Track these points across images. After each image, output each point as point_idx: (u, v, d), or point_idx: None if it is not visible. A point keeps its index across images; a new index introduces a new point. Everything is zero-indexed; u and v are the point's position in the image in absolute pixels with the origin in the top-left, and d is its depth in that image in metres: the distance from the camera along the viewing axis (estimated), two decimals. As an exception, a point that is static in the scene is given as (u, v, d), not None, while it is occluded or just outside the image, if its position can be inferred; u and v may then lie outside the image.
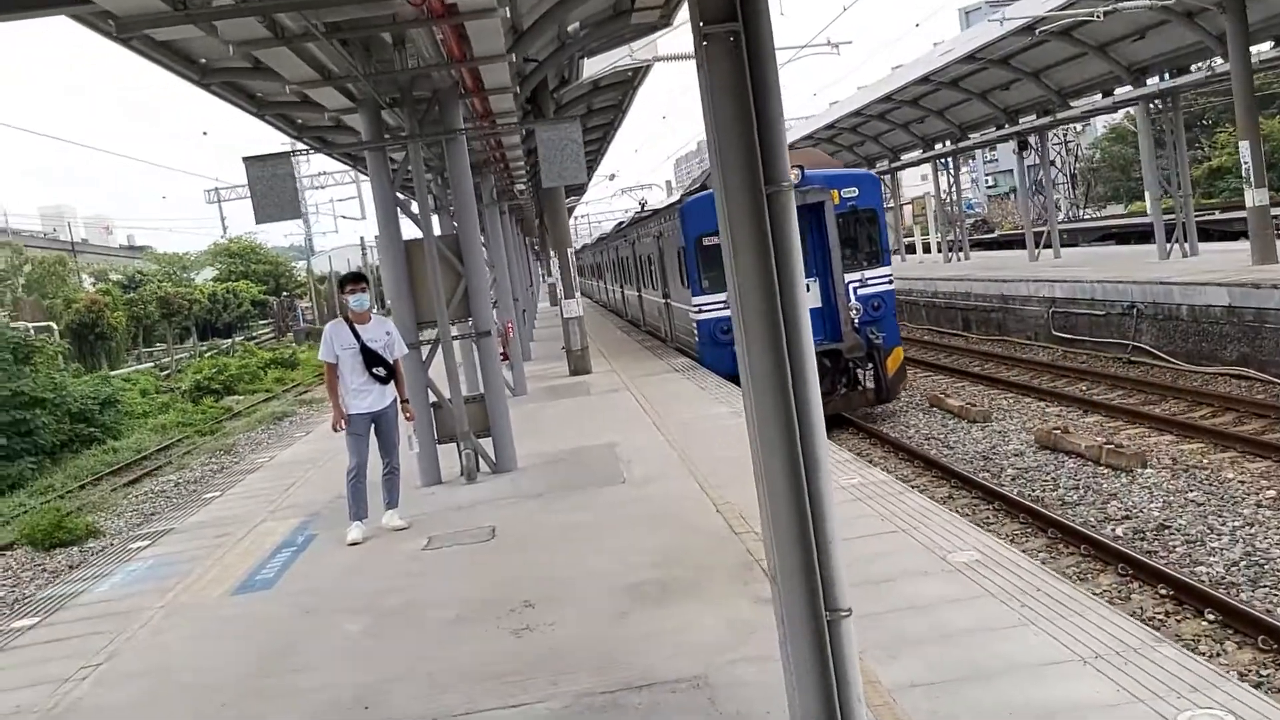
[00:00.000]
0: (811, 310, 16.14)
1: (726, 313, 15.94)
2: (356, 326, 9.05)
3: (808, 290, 16.15)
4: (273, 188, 10.22)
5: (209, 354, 54.56)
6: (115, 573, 9.28)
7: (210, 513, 11.66)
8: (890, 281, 17.87)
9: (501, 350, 18.95)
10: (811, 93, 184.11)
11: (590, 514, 8.88)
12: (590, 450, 11.79)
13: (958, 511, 11.90)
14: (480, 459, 11.02)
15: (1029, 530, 11.19)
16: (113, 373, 45.94)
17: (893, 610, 5.63)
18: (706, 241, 17.25)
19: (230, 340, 64.63)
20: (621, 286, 36.17)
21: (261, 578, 8.26)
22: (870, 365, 17.08)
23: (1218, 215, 32.74)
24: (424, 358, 10.90)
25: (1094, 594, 9.10)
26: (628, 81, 22.61)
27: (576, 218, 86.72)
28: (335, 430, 9.20)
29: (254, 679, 6.06)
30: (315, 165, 58.90)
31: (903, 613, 5.62)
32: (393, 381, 9.19)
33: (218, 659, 6.54)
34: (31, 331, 42.73)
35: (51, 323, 50.82)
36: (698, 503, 8.66)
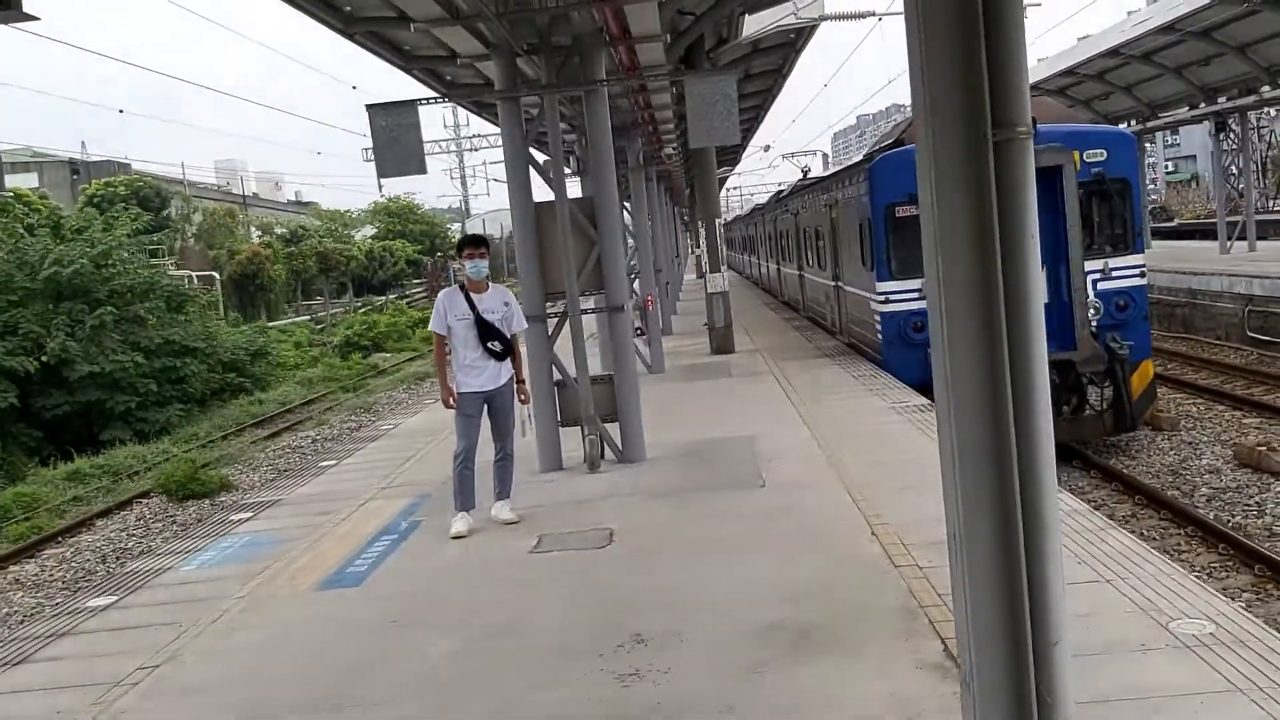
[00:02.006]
0: None
1: (923, 304, 13.52)
2: (473, 296, 8.13)
3: None
4: (397, 139, 9.41)
5: (362, 310, 55.45)
6: (208, 548, 8.64)
7: (322, 484, 11.00)
8: (1143, 274, 13.93)
9: (639, 325, 18.01)
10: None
11: (721, 525, 7.74)
12: (726, 444, 10.64)
13: (1147, 535, 10.46)
14: (606, 446, 10.01)
15: (1230, 563, 9.70)
16: (270, 324, 47.10)
17: (1103, 700, 4.34)
18: (900, 212, 13.65)
19: (384, 298, 65.68)
20: (778, 263, 33.16)
21: (353, 571, 7.44)
22: (1109, 383, 13.41)
23: None
24: (550, 332, 9.93)
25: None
26: (790, 44, 21.15)
27: (728, 189, 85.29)
28: (448, 407, 8.31)
29: (314, 709, 5.17)
30: (474, 126, 59.08)
31: (1118, 707, 4.32)
32: (509, 358, 8.23)
33: (283, 672, 5.71)
34: (195, 280, 43.96)
35: (214, 272, 52.26)
36: (849, 521, 7.44)
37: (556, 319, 10.04)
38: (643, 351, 17.06)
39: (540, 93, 9.73)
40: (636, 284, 18.95)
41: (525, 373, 8.63)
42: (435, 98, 10.12)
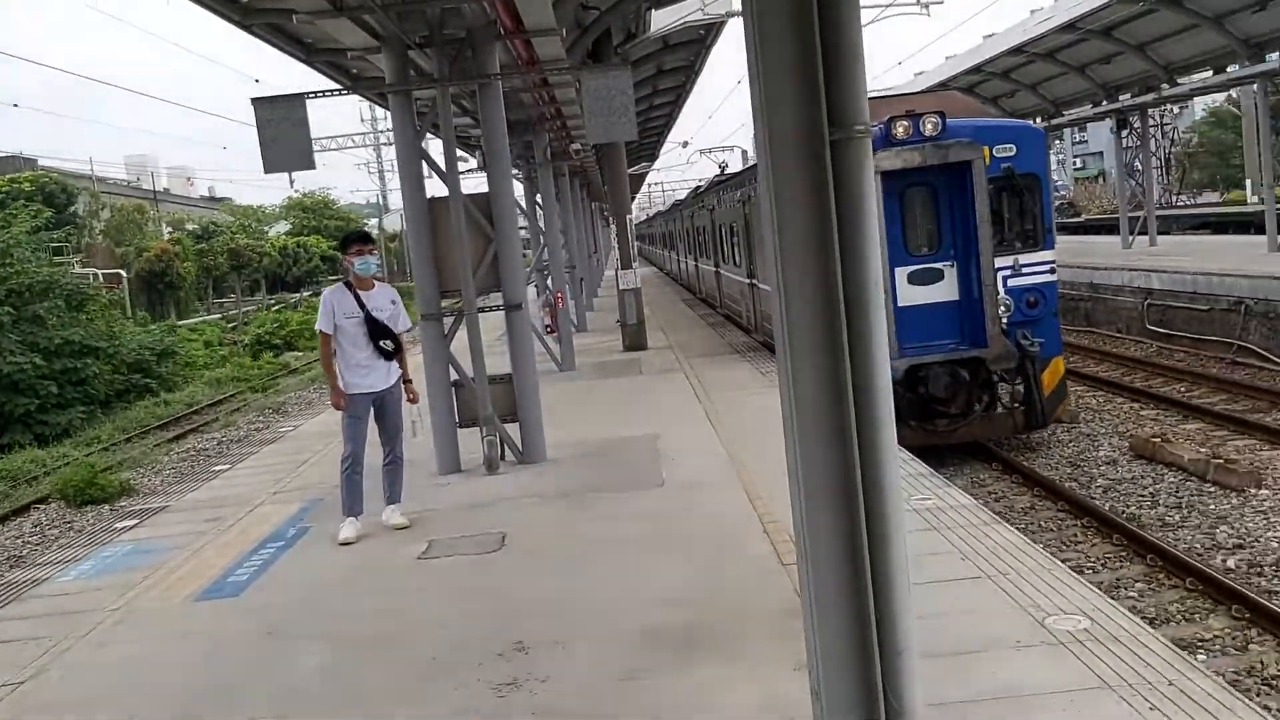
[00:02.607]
0: (946, 304, 12.90)
1: None
2: (361, 294, 7.91)
3: (940, 278, 13.08)
4: (284, 133, 9.12)
5: (275, 308, 54.35)
6: (88, 558, 8.30)
7: (214, 489, 10.68)
8: (1052, 270, 13.61)
9: (548, 323, 17.86)
10: (896, 61, 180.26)
11: (617, 526, 7.65)
12: (630, 443, 10.55)
13: (1044, 526, 10.60)
14: (505, 447, 9.85)
15: (1124, 553, 9.83)
16: (180, 322, 45.89)
17: (976, 699, 4.33)
18: None
19: (298, 295, 64.50)
20: (695, 260, 32.95)
21: (234, 580, 7.19)
22: (1020, 380, 13.26)
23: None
24: (446, 331, 9.74)
25: (1208, 635, 7.85)
26: (700, 40, 21.17)
27: (649, 184, 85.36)
28: (338, 408, 8.07)
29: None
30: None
31: (991, 706, 4.31)
32: (397, 357, 8.03)
33: (150, 688, 5.48)
34: (100, 278, 42.65)
35: (121, 270, 50.80)
36: (744, 520, 7.39)
37: (453, 318, 9.85)
38: (553, 349, 16.92)
39: (433, 86, 9.52)
40: (549, 282, 18.81)
41: (411, 372, 8.42)
42: (326, 91, 9.84)
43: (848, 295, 2.68)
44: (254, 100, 9.14)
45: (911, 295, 12.84)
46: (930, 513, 7.24)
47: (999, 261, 12.90)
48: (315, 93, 9.46)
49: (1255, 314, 17.99)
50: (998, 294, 12.83)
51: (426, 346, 9.79)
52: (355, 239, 8.17)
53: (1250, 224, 32.37)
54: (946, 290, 13.01)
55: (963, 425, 13.02)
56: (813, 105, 2.63)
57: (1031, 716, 4.25)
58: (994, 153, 12.86)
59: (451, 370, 9.80)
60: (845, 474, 2.71)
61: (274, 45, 11.40)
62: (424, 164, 9.77)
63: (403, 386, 8.13)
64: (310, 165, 9.26)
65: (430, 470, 9.66)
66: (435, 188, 10.18)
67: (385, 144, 59.09)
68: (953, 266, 13.03)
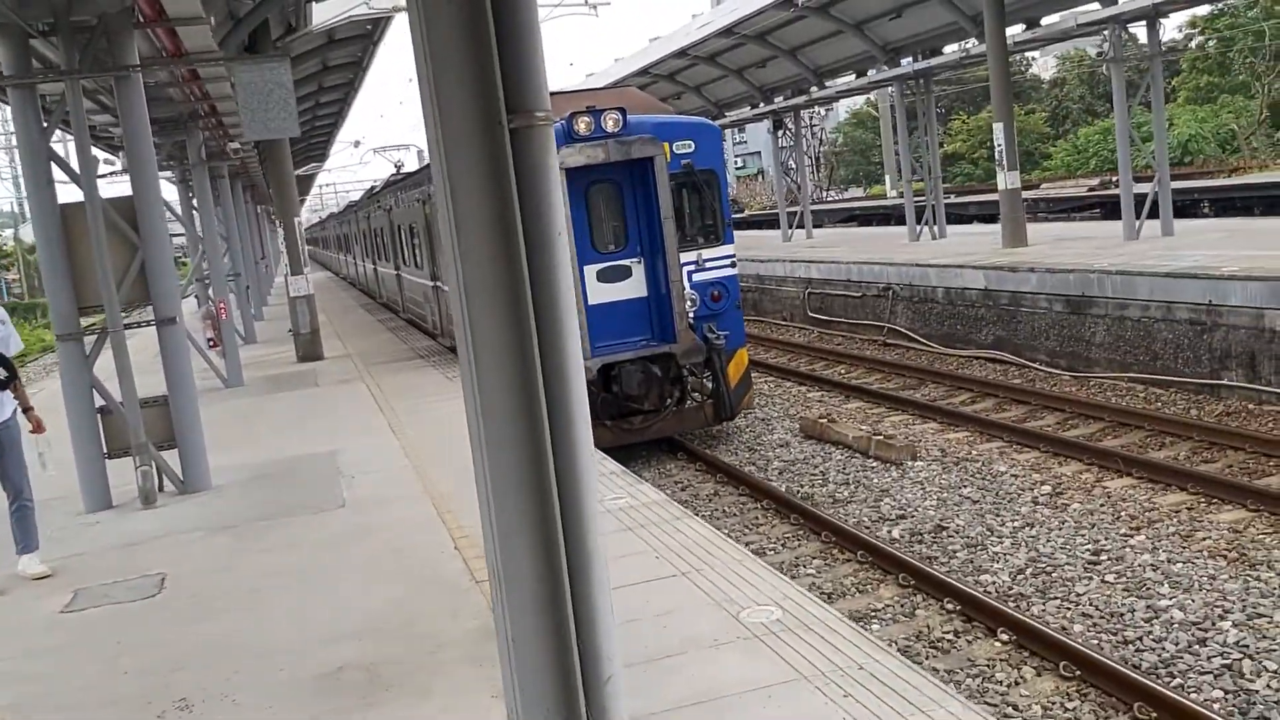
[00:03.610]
0: (635, 301, 12.78)
1: None
2: None
3: (629, 275, 12.97)
4: None
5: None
6: None
7: None
8: (733, 264, 13.85)
9: (211, 336, 16.61)
10: (568, 63, 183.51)
11: (292, 555, 7.06)
12: (306, 461, 9.88)
13: (729, 512, 10.90)
14: (163, 477, 8.93)
15: (801, 532, 10.25)
16: None
17: (678, 707, 4.23)
18: None
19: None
20: (374, 263, 31.71)
21: None
22: (709, 373, 13.41)
23: (953, 199, 33.69)
24: (88, 352, 8.70)
25: (879, 605, 8.29)
26: (367, 35, 20.38)
27: (320, 185, 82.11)
28: None
29: None
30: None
31: (692, 712, 4.22)
32: (11, 386, 7.02)
33: None
34: None
35: None
36: (432, 536, 7.02)
37: (96, 336, 8.81)
38: (217, 364, 15.73)
39: (62, 79, 8.46)
40: (210, 292, 17.50)
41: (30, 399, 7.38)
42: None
43: (536, 292, 2.43)
44: None
45: (601, 293, 12.80)
46: (624, 512, 7.18)
47: (683, 257, 12.99)
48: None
49: (901, 298, 19.53)
50: (684, 289, 12.96)
51: (65, 370, 8.71)
52: None
53: (891, 216, 35.39)
54: (635, 287, 13.04)
55: (657, 421, 13.16)
56: (488, 90, 2.36)
57: (731, 717, 4.20)
58: (674, 149, 12.96)
59: (97, 395, 8.77)
60: (542, 498, 2.46)
61: None
62: (54, 165, 8.67)
63: (22, 417, 7.10)
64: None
65: (75, 509, 8.61)
66: (75, 193, 9.09)
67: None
68: (640, 263, 13.06)
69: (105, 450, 8.82)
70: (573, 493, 2.49)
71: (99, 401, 8.80)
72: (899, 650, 7.31)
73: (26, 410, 7.15)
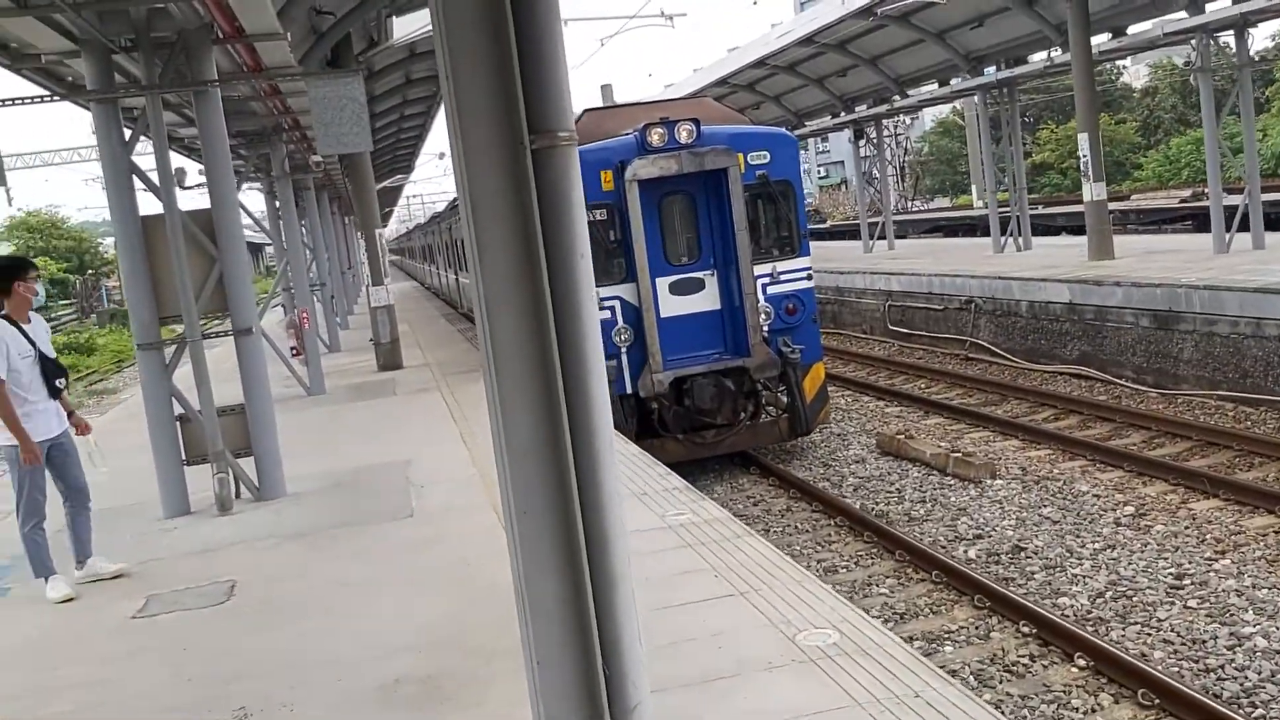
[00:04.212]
0: (708, 314, 12.75)
1: (606, 315, 12.38)
2: (24, 327, 7.04)
3: (702, 288, 12.90)
4: (-34, 147, 8.08)
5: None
6: None
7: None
8: (809, 276, 13.55)
9: (294, 344, 16.94)
10: (647, 73, 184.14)
11: (360, 565, 7.13)
12: (379, 470, 9.99)
13: (800, 528, 10.78)
14: (240, 484, 9.11)
15: (875, 551, 10.10)
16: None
17: (729, 730, 4.16)
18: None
19: (21, 322, 59.09)
20: (455, 272, 32.22)
21: (-93, 660, 6.24)
22: (783, 388, 13.27)
23: (1041, 210, 32.98)
24: (167, 361, 8.92)
25: (954, 626, 8.09)
26: (448, 49, 20.66)
27: (408, 197, 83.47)
28: (32, 463, 7.08)
29: None
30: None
31: (743, 736, 4.15)
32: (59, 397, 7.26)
33: None
34: None
35: None
36: (495, 548, 6.98)
37: (175, 345, 9.04)
38: (299, 372, 16.04)
39: (143, 93, 8.70)
40: (293, 301, 17.87)
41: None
42: (19, 99, 8.81)
43: (559, 314, 2.40)
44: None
45: (674, 305, 12.73)
46: (685, 529, 7.11)
47: (757, 269, 12.83)
48: (5, 100, 8.46)
49: (984, 311, 19.15)
50: (758, 302, 12.76)
51: (146, 378, 8.94)
52: (25, 265, 7.28)
53: (977, 227, 34.73)
54: (708, 300, 12.93)
55: (729, 436, 13.07)
56: (510, 110, 2.34)
57: (784, 744, 4.12)
58: (749, 160, 12.82)
59: (176, 403, 8.98)
60: (564, 518, 2.43)
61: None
62: (136, 178, 8.92)
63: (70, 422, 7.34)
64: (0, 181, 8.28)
65: (155, 514, 8.82)
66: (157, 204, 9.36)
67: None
68: (713, 275, 12.92)
69: (184, 457, 9.03)
70: (597, 516, 2.44)
71: (178, 410, 9.02)
72: (971, 673, 7.17)
73: (70, 414, 7.36)
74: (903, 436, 13.41)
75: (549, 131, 2.38)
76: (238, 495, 9.12)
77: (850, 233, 41.29)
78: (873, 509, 11.23)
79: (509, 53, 2.33)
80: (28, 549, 7.08)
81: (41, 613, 6.82)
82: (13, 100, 8.63)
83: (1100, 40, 19.74)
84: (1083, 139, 19.26)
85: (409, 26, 17.02)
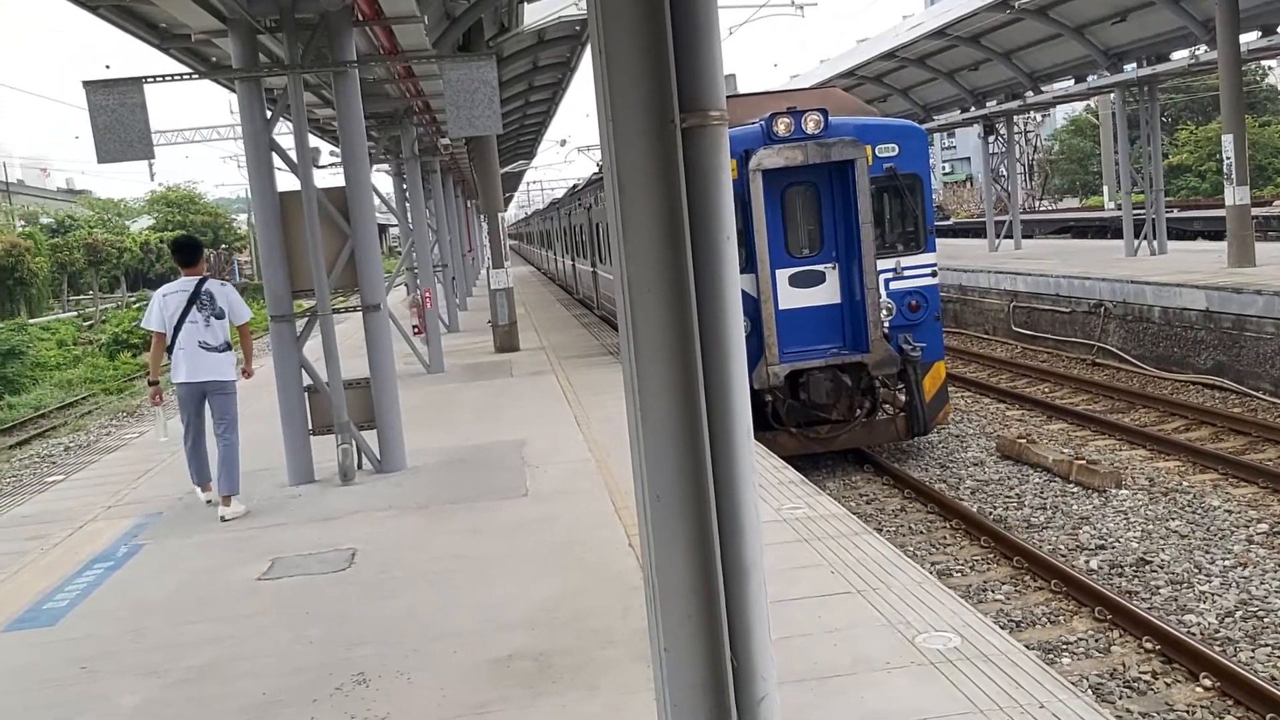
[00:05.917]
0: (828, 307, 12.51)
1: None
2: None
3: (822, 281, 12.66)
4: (120, 120, 8.45)
5: (136, 305, 51.94)
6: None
7: (42, 502, 9.88)
8: (934, 273, 13.17)
9: (416, 323, 17.29)
10: (773, 64, 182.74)
11: (475, 540, 7.24)
12: (495, 449, 10.13)
13: (914, 529, 10.59)
14: (362, 456, 9.34)
15: (992, 556, 9.85)
16: (31, 321, 43.44)
17: (843, 728, 4.09)
18: None
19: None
20: (572, 259, 32.25)
21: (51, 607, 6.55)
22: (902, 385, 12.95)
23: (1176, 213, 31.70)
24: (298, 333, 9.19)
25: (1072, 638, 7.85)
26: (575, 35, 20.81)
27: (528, 182, 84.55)
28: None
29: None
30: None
31: (858, 735, 4.08)
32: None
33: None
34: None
35: (-35, 265, 47.96)
36: (608, 532, 7.07)
37: (306, 319, 9.31)
38: (420, 350, 16.38)
39: (285, 73, 8.96)
40: (417, 280, 18.23)
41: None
42: (168, 75, 9.16)
43: (702, 302, 2.38)
44: (86, 84, 8.46)
45: (793, 298, 12.55)
46: (800, 523, 7.03)
47: (880, 264, 12.54)
48: (154, 77, 8.79)
49: (1114, 316, 18.51)
50: (880, 297, 12.52)
51: (277, 349, 9.23)
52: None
53: (1107, 229, 33.59)
54: (828, 293, 12.67)
55: (844, 432, 12.85)
56: (662, 87, 2.32)
57: (901, 746, 4.03)
58: (876, 152, 12.54)
59: (305, 375, 9.25)
60: (698, 506, 2.40)
61: (124, 29, 10.63)
62: (275, 155, 9.20)
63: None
64: (149, 155, 8.61)
65: (280, 480, 9.11)
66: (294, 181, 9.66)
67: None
68: (834, 269, 12.66)
69: (310, 427, 9.29)
70: (731, 504, 2.41)
71: (306, 381, 9.28)
72: (1090, 687, 6.95)
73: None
74: (1024, 441, 13.05)
75: (701, 110, 2.35)
76: (360, 466, 9.35)
77: (975, 230, 40.38)
78: (990, 513, 10.97)
79: (663, 27, 2.31)
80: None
81: (169, 574, 7.09)
82: (162, 77, 8.96)
83: (1249, 39, 18.85)
84: (1227, 140, 18.43)
85: (540, 13, 17.15)
